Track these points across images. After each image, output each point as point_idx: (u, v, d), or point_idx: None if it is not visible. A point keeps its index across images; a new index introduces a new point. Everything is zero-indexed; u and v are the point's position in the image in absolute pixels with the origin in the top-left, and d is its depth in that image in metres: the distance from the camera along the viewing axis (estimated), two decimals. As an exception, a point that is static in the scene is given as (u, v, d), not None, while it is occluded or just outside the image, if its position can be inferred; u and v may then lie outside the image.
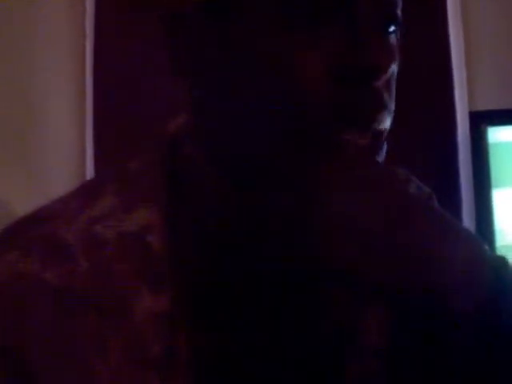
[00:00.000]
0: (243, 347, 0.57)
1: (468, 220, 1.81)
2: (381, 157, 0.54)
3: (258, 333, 0.57)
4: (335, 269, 0.51)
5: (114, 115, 2.00)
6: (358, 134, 0.52)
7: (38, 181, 1.86)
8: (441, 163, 1.87)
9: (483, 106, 1.84)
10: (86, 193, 0.61)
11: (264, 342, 0.57)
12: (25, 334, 0.54)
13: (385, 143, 0.55)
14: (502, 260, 0.52)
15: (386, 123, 0.54)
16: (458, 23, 1.87)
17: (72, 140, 2.01)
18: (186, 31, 0.56)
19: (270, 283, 0.57)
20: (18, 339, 0.54)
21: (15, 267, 0.56)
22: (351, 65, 0.51)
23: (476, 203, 1.78)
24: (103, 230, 0.58)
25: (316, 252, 0.51)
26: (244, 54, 0.53)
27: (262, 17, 0.52)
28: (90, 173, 1.99)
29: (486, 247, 0.53)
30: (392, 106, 0.55)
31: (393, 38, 0.55)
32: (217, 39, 0.54)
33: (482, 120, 1.78)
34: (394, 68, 0.54)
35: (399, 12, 0.55)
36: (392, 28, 0.55)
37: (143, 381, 0.54)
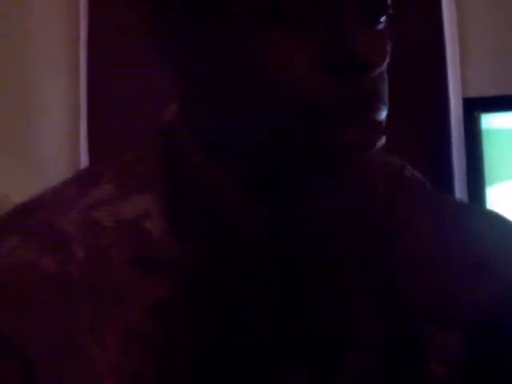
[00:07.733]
0: (242, 337, 0.57)
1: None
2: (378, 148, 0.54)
3: (257, 323, 0.57)
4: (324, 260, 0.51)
5: (109, 107, 1.99)
6: (358, 129, 0.52)
7: (30, 173, 1.85)
8: (434, 149, 1.87)
9: (476, 92, 1.84)
10: (82, 181, 0.61)
11: (263, 332, 0.57)
12: (24, 321, 0.54)
13: (384, 136, 0.54)
14: None
15: (383, 115, 0.53)
16: (452, 9, 1.87)
17: (66, 132, 2.01)
18: (172, 20, 0.55)
19: (271, 272, 0.57)
20: (17, 326, 0.54)
21: (11, 255, 0.56)
22: (341, 58, 0.51)
23: (469, 189, 1.79)
24: (100, 218, 0.57)
25: (309, 249, 0.52)
26: (226, 48, 0.53)
27: (241, 8, 0.51)
28: (84, 165, 1.99)
29: None
30: (386, 97, 0.54)
31: (385, 29, 0.55)
32: (201, 34, 0.54)
33: (475, 106, 1.78)
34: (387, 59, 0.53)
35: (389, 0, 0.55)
36: (383, 18, 0.54)
37: (141, 369, 0.54)
